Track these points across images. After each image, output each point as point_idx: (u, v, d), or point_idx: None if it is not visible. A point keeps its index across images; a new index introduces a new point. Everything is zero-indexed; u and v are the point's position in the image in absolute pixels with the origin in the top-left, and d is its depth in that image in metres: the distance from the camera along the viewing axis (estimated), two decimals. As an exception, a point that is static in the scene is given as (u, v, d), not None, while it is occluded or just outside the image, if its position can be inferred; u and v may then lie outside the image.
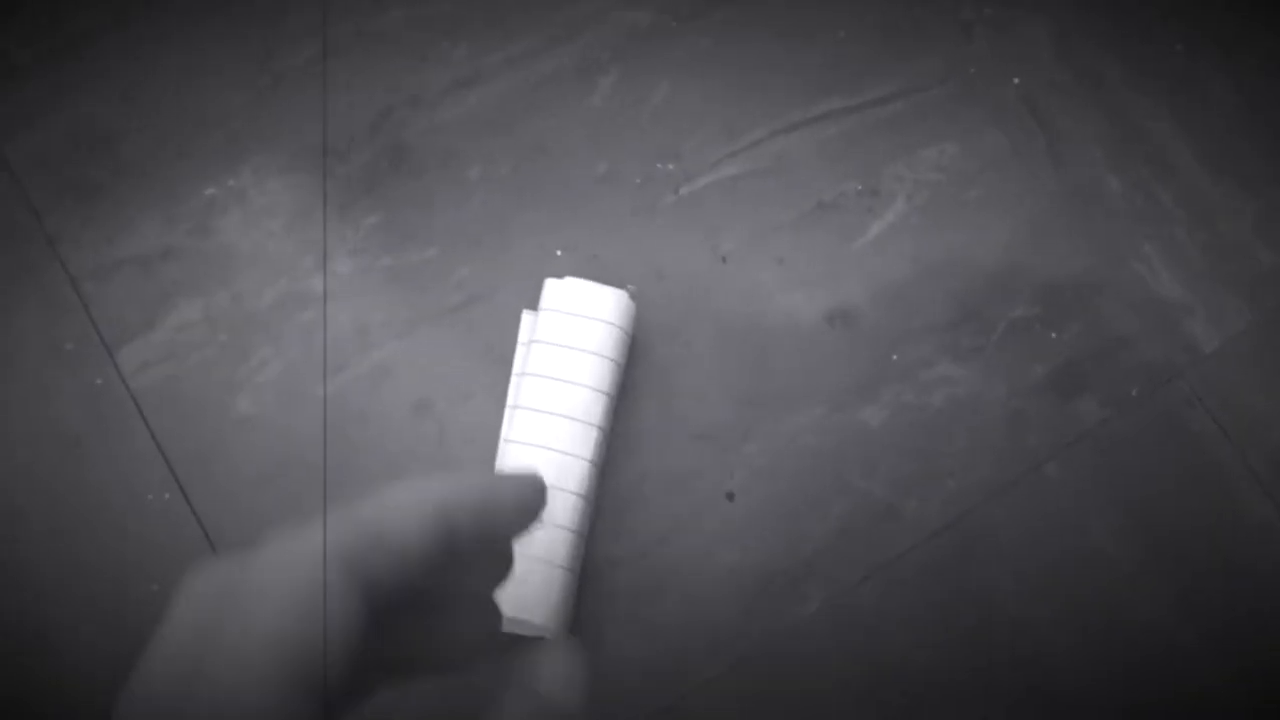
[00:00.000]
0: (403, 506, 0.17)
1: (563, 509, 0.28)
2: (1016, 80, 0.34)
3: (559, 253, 0.32)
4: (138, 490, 0.31)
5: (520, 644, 0.26)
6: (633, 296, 0.32)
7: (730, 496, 0.31)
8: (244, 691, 0.14)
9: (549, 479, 0.27)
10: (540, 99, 0.33)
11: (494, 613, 0.21)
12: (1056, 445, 0.31)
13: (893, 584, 0.30)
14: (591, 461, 0.28)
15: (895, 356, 0.32)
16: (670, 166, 0.33)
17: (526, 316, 0.30)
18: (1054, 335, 0.32)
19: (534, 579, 0.27)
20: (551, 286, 0.29)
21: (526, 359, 0.29)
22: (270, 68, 0.33)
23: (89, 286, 0.32)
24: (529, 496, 0.19)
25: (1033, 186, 0.33)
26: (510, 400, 0.30)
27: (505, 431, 0.29)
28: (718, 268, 0.32)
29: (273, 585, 0.15)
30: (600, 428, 0.29)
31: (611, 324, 0.29)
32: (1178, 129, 0.33)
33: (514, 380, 0.30)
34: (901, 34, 0.34)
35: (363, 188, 0.32)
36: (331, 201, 0.32)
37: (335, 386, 0.31)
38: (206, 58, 0.33)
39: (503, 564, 0.20)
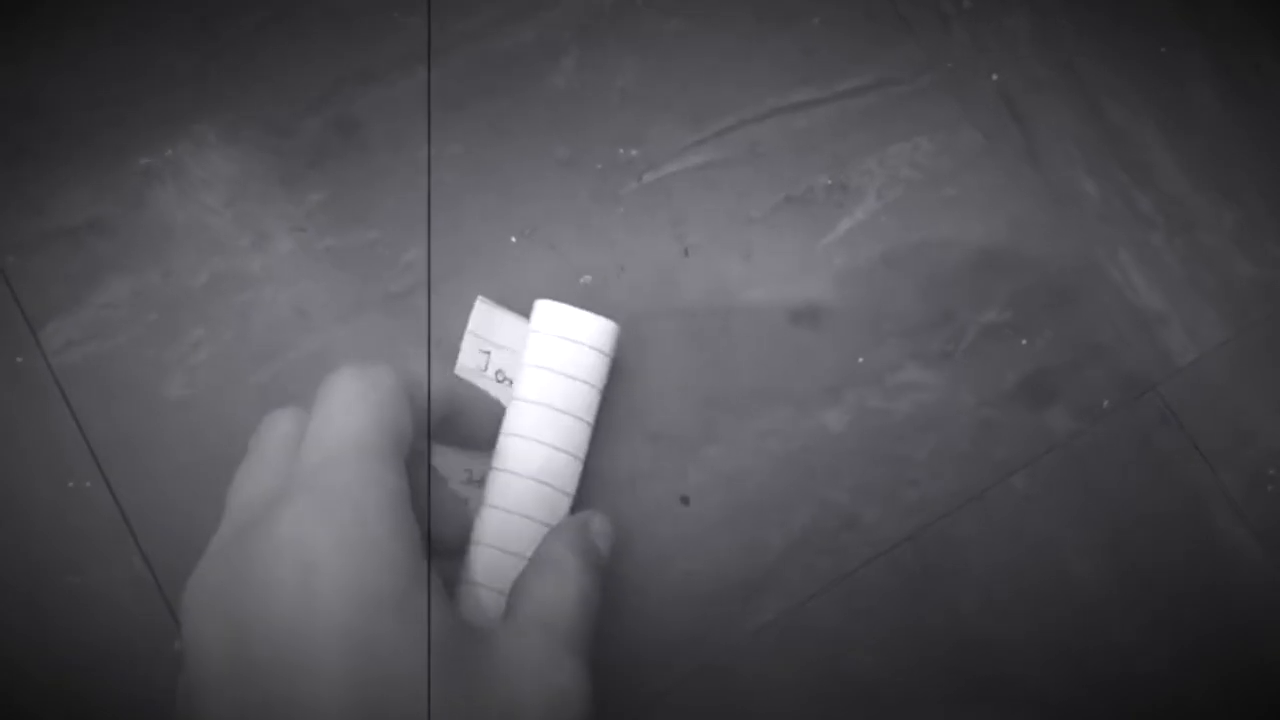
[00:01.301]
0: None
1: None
2: (995, 76, 0.33)
3: (513, 239, 0.31)
4: (58, 476, 0.29)
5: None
6: (588, 288, 0.31)
7: (685, 500, 0.30)
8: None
9: (538, 513, 0.26)
10: (498, 77, 0.32)
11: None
12: (1025, 457, 0.30)
13: (853, 595, 0.29)
14: (572, 495, 0.27)
15: (861, 359, 0.31)
16: (634, 153, 0.32)
17: (481, 307, 0.28)
18: (1025, 342, 0.31)
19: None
20: (551, 311, 0.27)
21: (520, 382, 0.27)
22: (216, 33, 0.32)
23: (11, 259, 0.30)
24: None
25: (1008, 187, 0.32)
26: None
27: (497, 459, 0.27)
28: (680, 260, 0.31)
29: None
30: (583, 461, 0.27)
31: (606, 355, 0.27)
32: (1159, 133, 0.33)
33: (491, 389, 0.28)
34: (878, 24, 0.33)
35: (307, 163, 0.31)
36: (273, 177, 0.31)
37: (272, 371, 0.30)
38: (147, 20, 0.32)
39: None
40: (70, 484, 0.29)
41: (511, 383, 0.28)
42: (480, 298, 0.28)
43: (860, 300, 0.31)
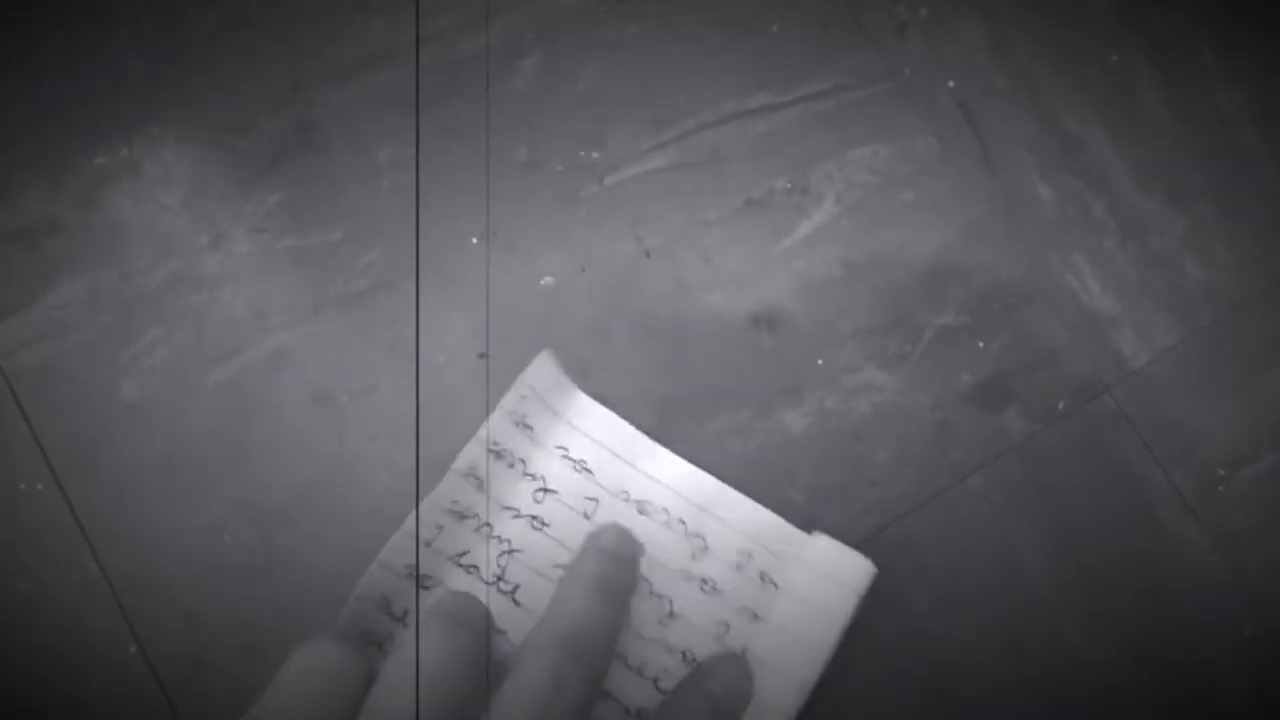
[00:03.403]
0: None
1: None
2: (951, 83, 0.33)
3: (474, 240, 0.31)
4: (8, 479, 0.29)
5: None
6: (549, 289, 0.31)
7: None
8: None
9: None
10: (459, 79, 0.32)
11: None
12: (981, 458, 0.31)
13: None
14: None
15: (820, 361, 0.31)
16: (594, 155, 0.32)
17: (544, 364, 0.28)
18: (981, 345, 0.31)
19: None
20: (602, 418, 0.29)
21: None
22: (174, 33, 0.31)
23: (-37, 258, 0.30)
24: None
25: (964, 192, 0.32)
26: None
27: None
28: (641, 263, 0.31)
29: None
30: None
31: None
32: (1110, 139, 0.33)
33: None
34: (836, 31, 0.33)
35: (266, 164, 0.31)
36: (231, 177, 0.31)
37: (228, 373, 0.29)
38: (104, 19, 0.31)
39: None
40: (22, 486, 0.29)
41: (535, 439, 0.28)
42: (546, 350, 0.28)
43: (819, 302, 0.31)
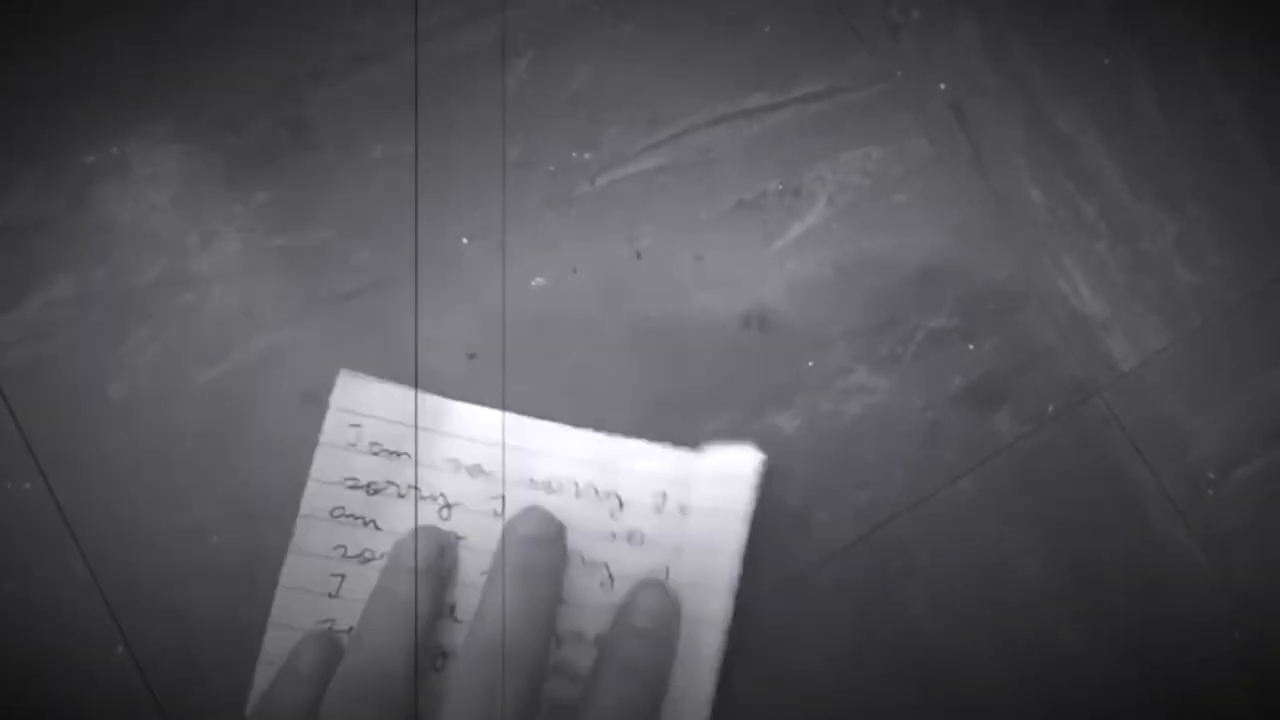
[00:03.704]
0: None
1: None
2: (943, 85, 0.33)
3: (465, 240, 0.31)
4: (-4, 477, 0.28)
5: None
6: (540, 289, 0.31)
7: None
8: None
9: None
10: (451, 78, 0.32)
11: None
12: (972, 460, 0.31)
13: (801, 597, 0.29)
14: None
15: (811, 362, 0.31)
16: (587, 155, 0.32)
17: (346, 380, 0.28)
18: (972, 347, 0.31)
19: None
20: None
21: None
22: (164, 29, 0.31)
23: (-49, 256, 0.29)
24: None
25: (956, 194, 0.32)
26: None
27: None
28: (632, 263, 0.31)
29: None
30: None
31: None
32: (1103, 142, 0.33)
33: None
34: (829, 33, 0.33)
35: (256, 162, 0.31)
36: (222, 175, 0.30)
37: (217, 372, 0.29)
38: (94, 16, 0.31)
39: None
40: (9, 485, 0.28)
41: (403, 455, 0.28)
42: (343, 370, 0.28)
43: (810, 304, 0.31)
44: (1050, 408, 0.31)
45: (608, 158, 0.32)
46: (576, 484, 0.29)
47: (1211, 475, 0.31)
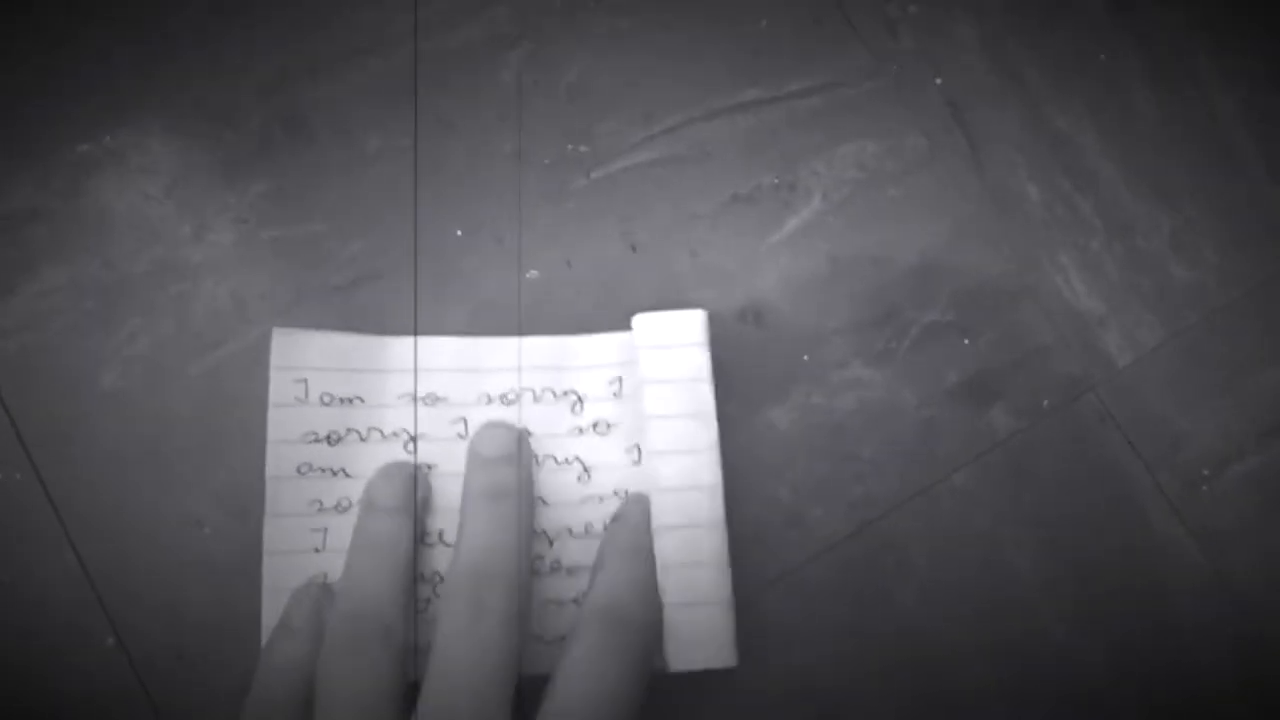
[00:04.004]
0: None
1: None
2: (940, 81, 0.33)
3: (459, 233, 0.31)
4: (-13, 468, 0.28)
5: None
6: (535, 282, 0.30)
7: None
8: None
9: None
10: (447, 72, 0.32)
11: None
12: (967, 455, 0.31)
13: (795, 592, 0.29)
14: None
15: (806, 357, 0.31)
16: (582, 149, 0.32)
17: (280, 336, 0.28)
18: (967, 342, 0.31)
19: None
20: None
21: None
22: (160, 19, 0.31)
23: (-57, 245, 0.29)
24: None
25: (952, 190, 0.32)
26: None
27: None
28: (628, 257, 0.31)
29: None
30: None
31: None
32: (1099, 139, 0.33)
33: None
34: (825, 27, 0.33)
35: (251, 154, 0.31)
36: (216, 166, 0.30)
37: (210, 363, 0.29)
38: (89, 4, 0.31)
39: None
40: None
41: (355, 400, 0.28)
42: (275, 329, 0.28)
43: (806, 299, 0.31)
44: (1045, 404, 0.31)
45: (603, 151, 0.32)
46: (533, 391, 0.29)
47: (1206, 472, 0.31)
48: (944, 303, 0.31)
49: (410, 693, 0.24)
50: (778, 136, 0.32)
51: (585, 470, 0.29)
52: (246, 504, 0.28)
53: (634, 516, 0.28)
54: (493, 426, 0.28)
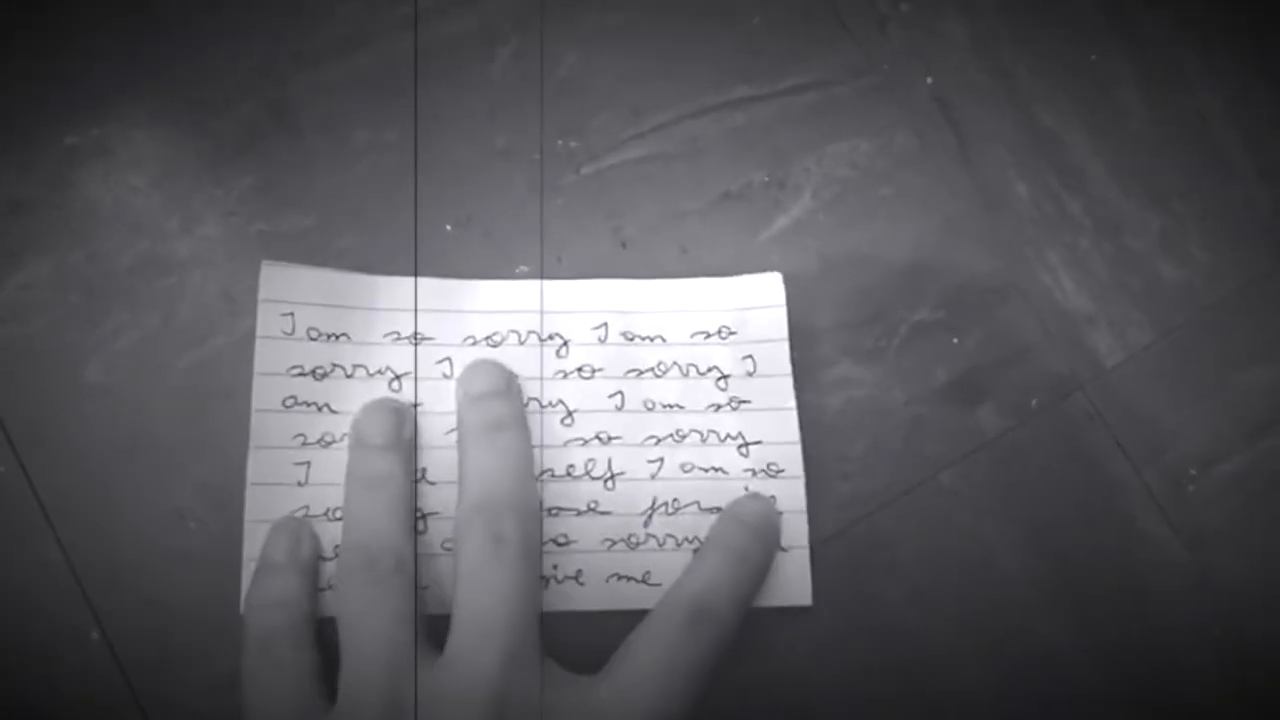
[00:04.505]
0: None
1: None
2: (930, 79, 0.33)
3: (449, 227, 0.31)
4: (-30, 462, 0.28)
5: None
6: (523, 278, 0.30)
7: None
8: None
9: None
10: (437, 65, 0.31)
11: None
12: (955, 454, 0.31)
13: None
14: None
15: (795, 354, 0.31)
16: (572, 144, 0.31)
17: (269, 270, 0.28)
18: (956, 341, 0.31)
19: None
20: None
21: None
22: (146, 10, 0.31)
23: (-73, 236, 0.29)
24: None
25: (942, 188, 0.32)
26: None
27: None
28: (618, 253, 0.31)
29: None
30: None
31: None
32: (1089, 138, 0.33)
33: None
34: (817, 25, 0.33)
35: (238, 146, 0.30)
36: (203, 159, 0.30)
37: (197, 357, 0.29)
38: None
39: None
40: (-17, 470, 0.28)
41: (342, 337, 0.29)
42: (264, 261, 0.28)
43: (795, 296, 0.31)
44: (1033, 402, 0.31)
45: (594, 146, 0.32)
46: (518, 333, 0.29)
47: (1193, 472, 0.31)
48: (933, 301, 0.31)
49: (426, 625, 0.25)
50: (768, 133, 0.32)
51: (569, 414, 0.29)
52: (231, 498, 0.28)
53: (752, 517, 0.28)
54: (481, 363, 0.29)
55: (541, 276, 0.30)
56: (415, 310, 0.29)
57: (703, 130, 0.32)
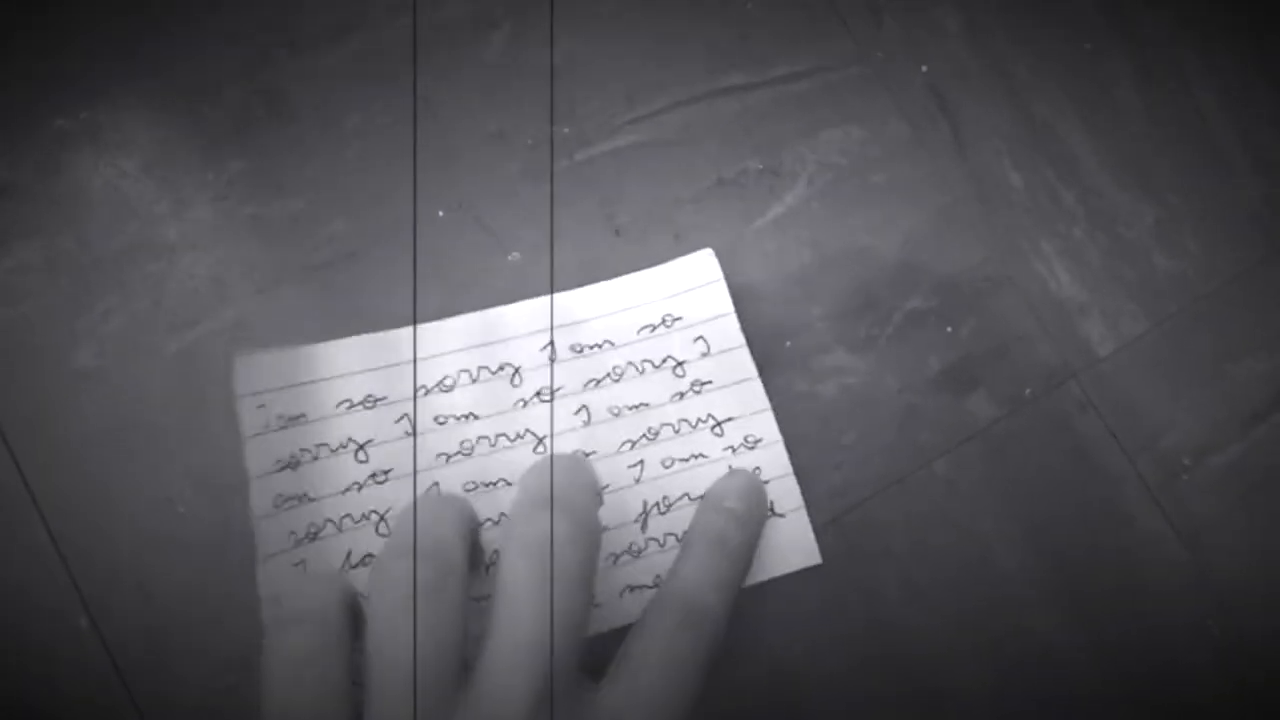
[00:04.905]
0: None
1: None
2: (924, 68, 0.33)
3: (441, 213, 0.30)
4: (-43, 447, 0.28)
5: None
6: (516, 264, 0.30)
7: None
8: None
9: None
10: (430, 50, 0.31)
11: None
12: (948, 442, 0.31)
13: (775, 578, 0.29)
14: None
15: (789, 343, 0.31)
16: (566, 130, 0.31)
17: (241, 364, 0.28)
18: (949, 329, 0.31)
19: None
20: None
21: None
22: (138, -4, 0.31)
23: (-85, 219, 0.29)
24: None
25: (936, 177, 0.32)
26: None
27: None
28: (611, 239, 0.31)
29: None
30: None
31: None
32: (1083, 128, 0.33)
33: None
34: (811, 12, 0.33)
35: (229, 130, 0.30)
36: (194, 143, 0.30)
37: (186, 342, 0.29)
38: (67, -19, 0.31)
39: None
40: (-29, 455, 0.28)
41: (300, 418, 0.28)
42: (237, 356, 0.28)
43: (789, 284, 0.31)
44: (1026, 392, 0.31)
45: (587, 133, 0.31)
46: (468, 372, 0.29)
47: (1186, 461, 0.31)
48: (926, 290, 0.31)
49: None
50: (762, 121, 0.32)
51: (539, 441, 0.28)
52: (221, 483, 0.28)
53: (731, 496, 0.28)
54: (567, 459, 0.25)
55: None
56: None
57: (696, 117, 0.32)
